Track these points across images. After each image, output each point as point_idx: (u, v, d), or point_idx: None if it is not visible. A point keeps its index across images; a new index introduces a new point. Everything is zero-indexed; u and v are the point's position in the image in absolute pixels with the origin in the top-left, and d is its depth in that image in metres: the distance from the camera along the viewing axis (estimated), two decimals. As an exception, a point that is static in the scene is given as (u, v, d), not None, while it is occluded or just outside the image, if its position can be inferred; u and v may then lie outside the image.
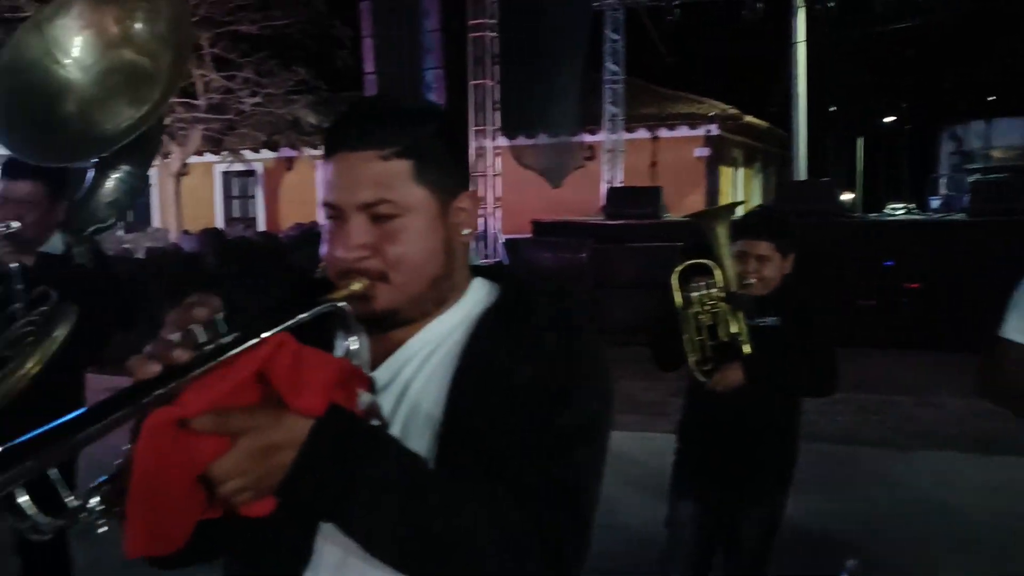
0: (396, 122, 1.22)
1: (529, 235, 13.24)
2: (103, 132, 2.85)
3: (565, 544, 1.12)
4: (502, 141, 14.88)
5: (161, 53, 2.88)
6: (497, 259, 13.02)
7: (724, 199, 19.37)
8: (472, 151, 13.78)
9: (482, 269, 1.37)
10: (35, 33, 2.91)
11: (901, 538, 4.86)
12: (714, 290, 3.10)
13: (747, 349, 3.09)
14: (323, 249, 1.24)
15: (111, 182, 3.16)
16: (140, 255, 13.06)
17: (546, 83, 14.03)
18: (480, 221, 14.09)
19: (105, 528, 0.93)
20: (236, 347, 0.99)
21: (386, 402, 1.20)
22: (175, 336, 0.99)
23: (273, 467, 0.99)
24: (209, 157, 22.49)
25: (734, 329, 3.10)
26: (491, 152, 14.10)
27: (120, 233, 20.97)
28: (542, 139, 15.61)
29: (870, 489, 5.68)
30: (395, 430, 1.18)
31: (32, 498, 0.89)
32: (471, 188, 1.31)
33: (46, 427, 0.88)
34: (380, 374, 1.23)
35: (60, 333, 2.86)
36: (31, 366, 2.82)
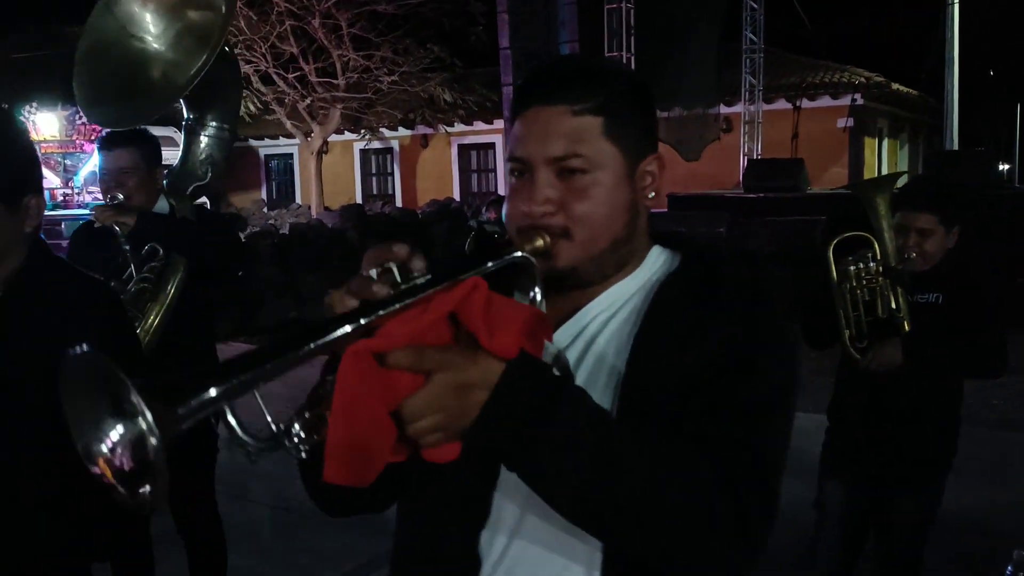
0: (589, 79, 1.21)
1: (665, 209, 13.04)
2: (177, 85, 3.04)
3: (753, 510, 1.08)
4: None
5: (216, 1, 3.05)
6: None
7: (869, 172, 18.61)
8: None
9: (659, 236, 1.34)
10: (107, 15, 3.10)
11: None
12: (872, 264, 2.97)
13: (907, 327, 2.95)
14: (506, 206, 1.24)
15: (202, 140, 3.30)
16: (284, 231, 13.53)
17: (682, 55, 13.76)
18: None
19: (306, 456, 0.94)
20: (431, 287, 0.99)
21: (570, 357, 1.19)
22: (373, 273, 1.00)
23: (465, 406, 0.98)
24: (348, 135, 23.06)
25: (893, 305, 2.97)
26: (626, 125, 13.90)
27: (265, 210, 21.83)
28: (677, 112, 15.32)
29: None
30: (579, 382, 1.16)
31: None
32: (658, 153, 1.28)
33: (254, 350, 0.89)
34: (559, 336, 1.22)
35: (174, 284, 3.06)
36: (153, 319, 3.02)
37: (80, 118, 15.50)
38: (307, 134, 21.29)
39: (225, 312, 10.41)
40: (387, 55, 19.81)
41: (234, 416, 0.88)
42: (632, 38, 13.51)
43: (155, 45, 3.12)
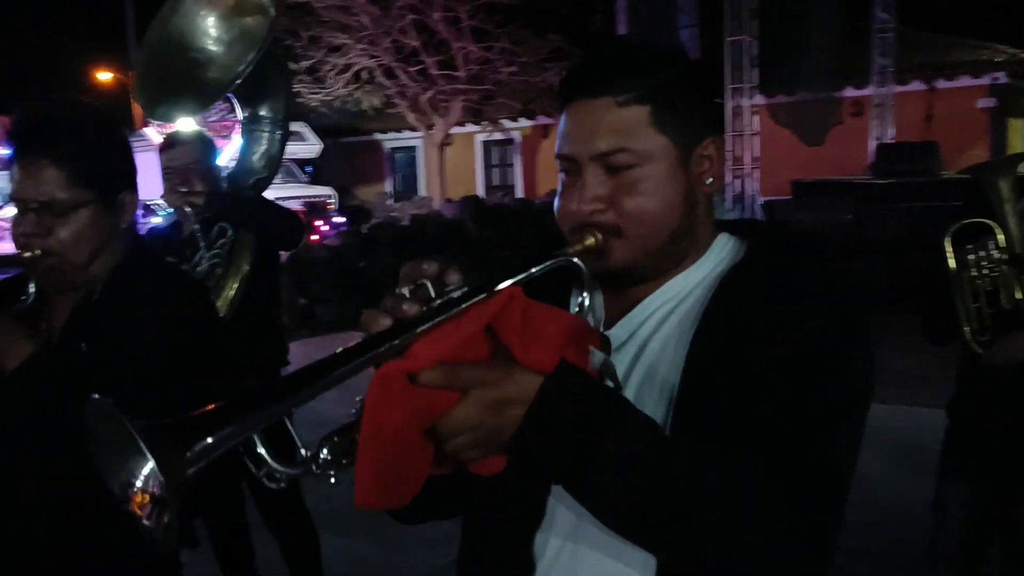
0: (633, 66, 1.15)
1: (788, 196, 12.68)
2: (225, 83, 3.24)
3: (820, 522, 1.03)
4: (759, 99, 14.30)
5: (266, 4, 3.22)
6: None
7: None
8: (728, 110, 13.36)
9: (728, 223, 1.27)
10: (165, 25, 3.30)
11: None
12: (995, 252, 2.80)
13: (1033, 318, 2.77)
14: (556, 203, 1.20)
15: (258, 136, 3.44)
16: (405, 222, 13.79)
17: (806, 36, 13.33)
18: (737, 182, 13.69)
19: (334, 480, 0.94)
20: (465, 301, 0.97)
21: (622, 360, 1.16)
22: (406, 291, 0.98)
23: (503, 422, 0.96)
24: (470, 127, 23.29)
25: (1019, 295, 2.79)
26: (748, 111, 13.59)
27: (389, 202, 22.29)
28: (802, 96, 14.86)
29: None
30: (630, 390, 1.14)
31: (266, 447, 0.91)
32: (718, 135, 1.21)
33: (283, 377, 0.91)
34: (616, 332, 1.19)
35: (245, 259, 3.20)
36: (229, 293, 3.15)
37: (211, 115, 16.15)
38: (429, 127, 21.60)
39: (348, 303, 10.71)
40: (506, 46, 19.89)
41: (262, 443, 0.90)
42: (754, 21, 13.17)
43: (210, 48, 3.29)
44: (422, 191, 24.30)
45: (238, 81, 3.15)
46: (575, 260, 1.10)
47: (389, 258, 11.51)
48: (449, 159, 22.58)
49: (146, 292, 1.76)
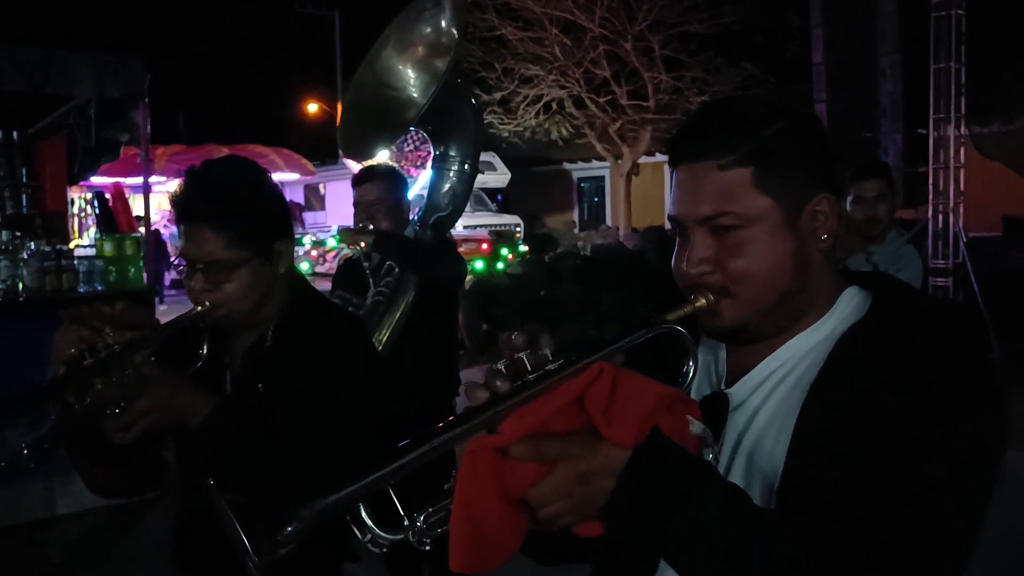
0: (734, 127, 1.15)
1: (998, 233, 11.83)
2: (410, 119, 3.50)
3: None
4: (965, 129, 13.45)
5: (452, 42, 3.43)
6: (958, 260, 11.80)
7: None
8: (931, 141, 12.65)
9: (859, 276, 1.24)
10: (368, 71, 3.56)
11: None
12: None
13: None
14: (673, 264, 1.21)
15: (446, 174, 3.59)
16: (588, 252, 13.83)
17: (1020, 63, 12.44)
18: (939, 218, 12.91)
19: (428, 549, 1.00)
20: (558, 374, 1.01)
21: (736, 424, 1.17)
22: (502, 365, 1.03)
23: (592, 494, 0.99)
24: (659, 157, 23.17)
25: None
26: (953, 142, 12.80)
27: (575, 231, 22.45)
28: (1018, 124, 13.86)
29: None
30: (740, 457, 1.15)
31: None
32: (831, 191, 1.18)
33: (381, 450, 0.97)
34: (735, 391, 1.19)
35: (407, 298, 3.34)
36: (387, 331, 3.30)
37: (407, 146, 16.85)
38: (617, 156, 21.66)
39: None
40: (698, 75, 19.72)
41: (367, 512, 0.97)
42: (962, 47, 12.42)
43: (405, 91, 3.52)
44: (609, 220, 24.36)
45: (420, 113, 3.35)
46: (679, 329, 1.12)
47: (571, 287, 11.58)
48: (636, 189, 22.54)
49: (313, 332, 1.88)
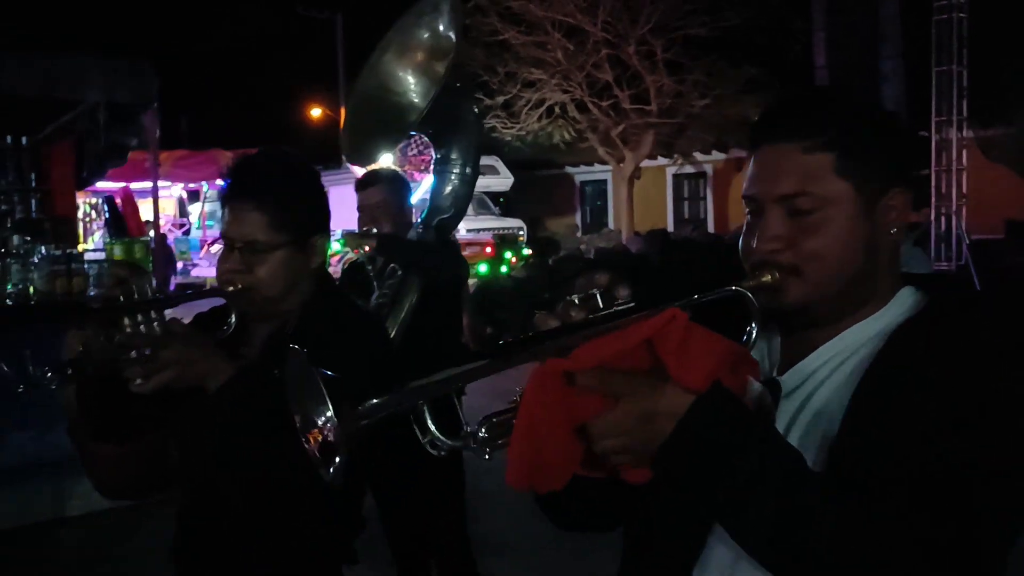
0: (820, 114, 1.18)
1: (1001, 236, 11.86)
2: (411, 121, 3.52)
3: None
4: (968, 132, 13.47)
5: (450, 44, 3.47)
6: (960, 262, 11.83)
7: None
8: (933, 144, 12.67)
9: (916, 277, 1.26)
10: (370, 76, 3.59)
11: None
12: None
13: None
14: (740, 242, 1.23)
15: (448, 177, 3.62)
16: (591, 255, 13.87)
17: (1021, 66, 12.46)
18: (942, 220, 12.93)
19: (488, 457, 1.03)
20: (630, 315, 1.04)
21: (788, 408, 1.18)
22: (576, 298, 1.06)
23: (651, 434, 1.01)
24: (661, 160, 23.19)
25: None
26: (956, 144, 12.82)
27: (578, 234, 22.48)
28: (1019, 126, 13.88)
29: None
30: (792, 437, 1.14)
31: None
32: (907, 187, 1.21)
33: (457, 360, 1.01)
34: (787, 379, 1.20)
35: (410, 300, 3.37)
36: (391, 328, 3.30)
37: (411, 150, 16.87)
38: (619, 160, 21.69)
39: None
40: (700, 78, 19.74)
41: (430, 414, 1.00)
42: (964, 50, 12.44)
43: (407, 95, 3.56)
44: (611, 224, 24.37)
45: (421, 117, 3.39)
46: (744, 292, 1.13)
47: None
48: (639, 192, 22.56)
49: (333, 325, 1.92)
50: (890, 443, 1.04)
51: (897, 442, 1.04)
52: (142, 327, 1.67)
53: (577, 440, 1.03)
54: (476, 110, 3.95)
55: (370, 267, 3.51)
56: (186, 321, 1.84)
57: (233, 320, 1.84)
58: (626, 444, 1.01)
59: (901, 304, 1.21)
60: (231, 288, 1.84)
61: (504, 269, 16.20)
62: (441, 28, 3.52)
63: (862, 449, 1.07)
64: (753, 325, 1.13)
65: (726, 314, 1.12)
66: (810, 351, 1.21)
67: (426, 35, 3.55)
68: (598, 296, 1.05)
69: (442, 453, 1.02)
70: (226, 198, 1.90)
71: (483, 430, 1.03)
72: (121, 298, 1.67)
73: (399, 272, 3.42)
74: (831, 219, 1.15)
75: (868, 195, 1.17)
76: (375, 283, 3.46)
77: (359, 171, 4.08)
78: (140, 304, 1.67)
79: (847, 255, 1.16)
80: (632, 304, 1.05)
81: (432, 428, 1.00)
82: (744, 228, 1.23)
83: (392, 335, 3.35)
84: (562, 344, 1.01)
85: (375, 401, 0.97)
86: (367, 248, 3.47)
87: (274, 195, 1.85)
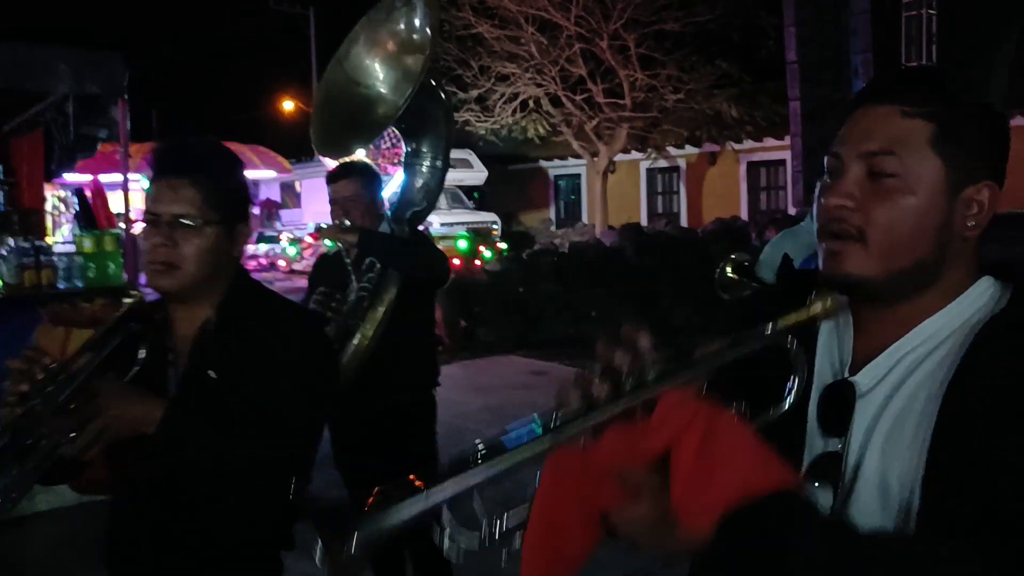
0: (929, 83, 1.13)
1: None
2: (387, 117, 3.51)
3: None
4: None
5: (425, 41, 3.46)
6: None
7: None
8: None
9: (995, 267, 1.17)
10: (337, 68, 3.57)
11: None
12: None
13: None
14: (815, 205, 1.17)
15: (419, 172, 3.63)
16: (565, 249, 13.90)
17: (988, 64, 12.61)
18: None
19: (506, 553, 1.00)
20: (657, 386, 0.97)
21: (867, 408, 1.11)
22: (596, 372, 0.99)
23: (667, 540, 0.97)
24: (635, 155, 23.26)
25: None
26: (925, 139, 12.93)
27: (552, 228, 22.51)
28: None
29: None
30: (877, 439, 1.09)
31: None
32: (997, 184, 1.13)
33: (469, 453, 0.96)
34: (861, 379, 1.14)
35: (390, 294, 3.37)
36: (372, 325, 3.33)
37: (384, 143, 16.81)
38: (594, 154, 21.73)
39: (508, 326, 10.92)
40: (673, 73, 19.82)
41: (452, 515, 0.97)
42: (933, 47, 12.59)
43: (375, 88, 3.55)
44: (585, 218, 24.43)
45: (398, 114, 3.38)
46: (790, 346, 1.08)
47: (549, 284, 11.64)
48: (613, 187, 22.61)
49: (260, 319, 1.91)
50: (990, 461, 0.98)
51: (998, 460, 0.97)
52: (62, 407, 1.65)
53: (595, 522, 0.99)
54: (448, 105, 3.94)
55: (347, 259, 3.48)
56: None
57: (143, 354, 1.82)
58: (650, 540, 0.97)
59: (977, 297, 1.13)
60: (153, 266, 1.84)
61: (477, 263, 16.21)
62: (416, 23, 3.50)
63: (961, 462, 1.00)
64: (794, 379, 1.07)
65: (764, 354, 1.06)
66: (882, 349, 1.14)
67: (399, 27, 3.53)
68: (624, 363, 0.98)
69: (461, 548, 0.99)
70: (157, 174, 1.89)
71: (498, 525, 1.01)
72: (29, 387, 1.64)
73: (377, 265, 3.40)
74: (911, 191, 1.09)
75: (956, 180, 1.10)
76: (353, 275, 3.43)
77: (332, 164, 4.07)
78: (51, 390, 1.65)
79: (917, 233, 1.09)
80: (653, 384, 0.97)
81: (451, 524, 0.97)
82: (820, 187, 1.16)
83: (373, 329, 3.35)
84: (586, 430, 0.96)
85: (367, 534, 0.93)
86: (348, 240, 3.43)
87: (208, 174, 1.87)
